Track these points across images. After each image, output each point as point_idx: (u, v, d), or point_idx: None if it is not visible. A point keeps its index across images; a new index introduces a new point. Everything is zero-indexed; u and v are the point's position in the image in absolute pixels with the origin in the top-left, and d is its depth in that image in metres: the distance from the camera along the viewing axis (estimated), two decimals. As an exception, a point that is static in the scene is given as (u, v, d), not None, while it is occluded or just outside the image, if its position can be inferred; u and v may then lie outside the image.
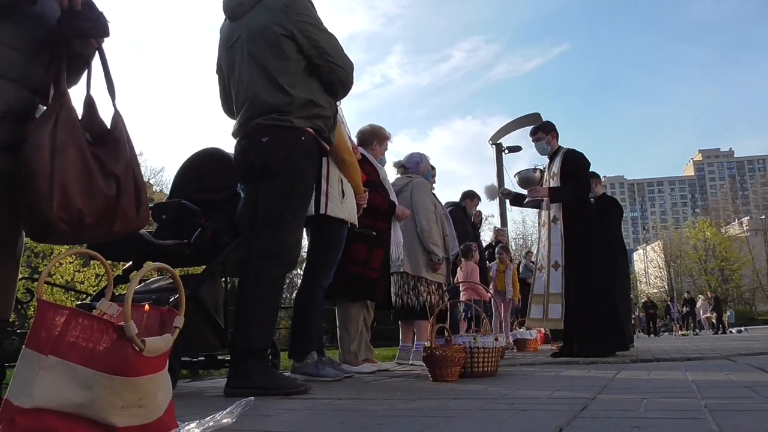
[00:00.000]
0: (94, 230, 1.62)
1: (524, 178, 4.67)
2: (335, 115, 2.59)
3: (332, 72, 2.46)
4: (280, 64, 2.39)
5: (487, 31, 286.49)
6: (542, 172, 4.67)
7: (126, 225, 1.70)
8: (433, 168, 4.93)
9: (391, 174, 4.58)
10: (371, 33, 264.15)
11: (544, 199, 4.49)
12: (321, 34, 2.44)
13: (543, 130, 4.67)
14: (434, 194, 4.67)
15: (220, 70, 2.66)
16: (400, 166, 4.76)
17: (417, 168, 4.68)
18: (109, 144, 1.69)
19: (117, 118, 1.74)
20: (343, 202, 3.08)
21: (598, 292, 4.19)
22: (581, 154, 4.51)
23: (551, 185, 4.47)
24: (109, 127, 1.72)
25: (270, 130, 2.38)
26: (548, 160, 4.64)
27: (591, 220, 4.45)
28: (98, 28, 1.67)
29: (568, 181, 4.39)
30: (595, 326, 4.08)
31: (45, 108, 1.65)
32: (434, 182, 4.96)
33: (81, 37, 1.68)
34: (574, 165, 4.43)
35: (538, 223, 4.68)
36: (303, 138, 2.39)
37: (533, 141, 4.68)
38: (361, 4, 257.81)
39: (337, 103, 3.17)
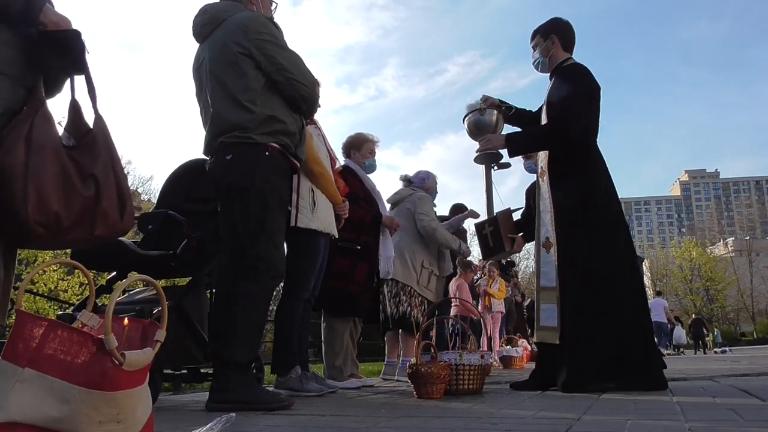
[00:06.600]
0: (73, 233, 1.59)
1: (475, 123, 3.32)
2: (301, 131, 2.58)
3: (292, 88, 2.46)
4: (239, 82, 2.40)
5: (483, 45, 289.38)
6: (507, 111, 3.25)
7: (108, 228, 1.66)
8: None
9: (396, 185, 4.75)
10: (368, 44, 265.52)
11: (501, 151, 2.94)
12: (280, 51, 2.44)
13: (541, 33, 3.06)
14: (435, 211, 4.67)
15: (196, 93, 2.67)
16: (406, 180, 4.77)
17: (422, 184, 4.69)
18: (85, 145, 1.66)
19: (97, 120, 1.72)
20: (314, 213, 3.05)
21: (602, 290, 2.73)
22: (584, 69, 2.91)
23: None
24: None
25: (233, 148, 2.38)
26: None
27: (587, 170, 2.88)
28: (76, 66, 1.69)
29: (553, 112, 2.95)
30: (593, 344, 2.69)
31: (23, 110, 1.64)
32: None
33: (59, 71, 1.69)
34: (563, 87, 2.91)
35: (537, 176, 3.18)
36: (267, 153, 2.39)
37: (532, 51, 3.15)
38: (358, 16, 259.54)
39: (315, 118, 3.16)
